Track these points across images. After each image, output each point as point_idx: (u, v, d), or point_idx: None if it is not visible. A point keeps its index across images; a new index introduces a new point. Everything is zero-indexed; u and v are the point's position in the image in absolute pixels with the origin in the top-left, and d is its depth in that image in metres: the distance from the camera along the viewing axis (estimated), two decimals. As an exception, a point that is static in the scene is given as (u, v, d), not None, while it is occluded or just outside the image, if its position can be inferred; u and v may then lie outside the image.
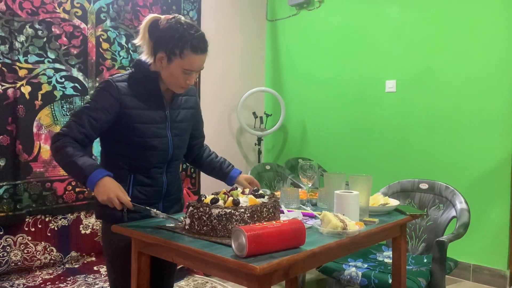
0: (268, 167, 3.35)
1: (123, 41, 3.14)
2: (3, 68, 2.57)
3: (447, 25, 3.16)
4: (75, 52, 2.89)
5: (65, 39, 2.84)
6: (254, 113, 4.01)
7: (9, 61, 2.59)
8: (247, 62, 4.14)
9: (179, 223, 1.46)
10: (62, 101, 2.83)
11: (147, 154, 1.63)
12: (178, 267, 2.82)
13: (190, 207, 1.39)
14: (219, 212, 1.31)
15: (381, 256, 2.28)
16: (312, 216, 1.62)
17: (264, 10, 4.27)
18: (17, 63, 2.63)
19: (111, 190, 1.45)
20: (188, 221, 1.38)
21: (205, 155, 1.95)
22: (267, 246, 1.18)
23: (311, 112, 3.99)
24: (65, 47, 2.84)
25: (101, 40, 3.01)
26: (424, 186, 2.40)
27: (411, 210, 1.81)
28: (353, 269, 2.05)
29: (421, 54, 3.29)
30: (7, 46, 2.59)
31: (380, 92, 3.51)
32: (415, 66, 3.32)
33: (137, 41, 1.63)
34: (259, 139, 4.00)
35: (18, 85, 2.63)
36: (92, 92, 2.89)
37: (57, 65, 2.81)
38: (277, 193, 1.90)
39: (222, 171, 1.92)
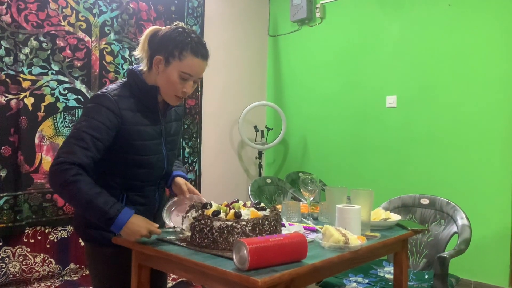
0: (269, 181, 3.35)
1: (126, 54, 3.16)
2: (7, 80, 2.59)
3: (447, 41, 3.19)
4: (78, 64, 2.91)
5: (69, 51, 2.87)
6: (255, 127, 4.02)
7: (13, 73, 2.62)
8: (249, 76, 4.17)
9: (180, 236, 1.46)
10: (65, 113, 2.85)
11: (142, 171, 1.54)
12: (178, 280, 2.80)
13: (193, 220, 1.39)
14: (220, 225, 1.31)
15: (382, 272, 2.26)
16: (314, 230, 1.61)
17: (266, 25, 4.32)
18: (21, 75, 2.65)
19: (141, 228, 1.36)
20: (189, 233, 1.38)
21: None
22: (269, 259, 1.17)
23: (312, 126, 4.00)
24: (69, 59, 2.87)
25: (104, 53, 3.04)
26: (425, 201, 2.40)
27: (413, 225, 1.81)
28: (354, 285, 2.03)
29: (421, 70, 3.32)
30: (12, 57, 2.61)
31: (381, 107, 3.53)
32: (415, 82, 3.35)
33: (136, 52, 1.56)
34: (260, 153, 4.01)
35: (21, 96, 2.65)
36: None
37: (61, 77, 2.83)
38: (278, 207, 1.90)
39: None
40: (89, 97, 2.97)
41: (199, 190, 3.71)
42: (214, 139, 3.82)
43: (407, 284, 1.82)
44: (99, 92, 1.52)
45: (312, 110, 4.00)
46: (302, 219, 1.81)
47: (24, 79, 2.67)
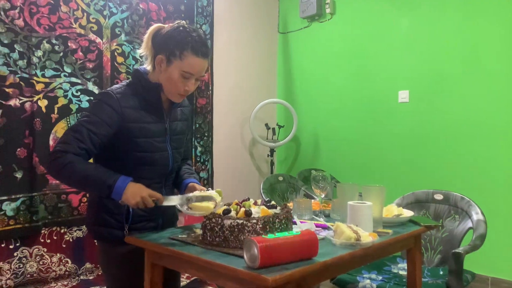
0: (280, 178, 3.35)
1: (137, 55, 3.19)
2: (21, 83, 2.63)
3: (459, 35, 3.14)
4: (90, 66, 2.95)
5: (81, 53, 2.90)
6: (266, 125, 4.02)
7: (26, 76, 2.65)
8: (259, 74, 4.16)
9: (192, 235, 1.46)
10: (78, 114, 2.88)
11: (147, 169, 1.56)
12: (192, 279, 2.82)
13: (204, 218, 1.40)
14: (231, 223, 1.31)
15: (396, 268, 2.24)
16: (325, 227, 1.61)
17: (276, 22, 4.31)
18: (35, 78, 2.69)
19: (141, 190, 1.41)
20: (200, 232, 1.39)
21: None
22: (279, 257, 1.17)
23: (324, 123, 3.99)
24: (81, 61, 2.90)
25: (116, 54, 3.07)
26: (439, 196, 2.37)
27: (426, 221, 1.79)
28: (368, 281, 2.02)
29: (433, 64, 3.28)
30: (25, 61, 2.65)
31: (393, 102, 3.49)
32: (428, 76, 3.31)
33: (141, 50, 1.59)
34: (272, 151, 4.01)
35: (35, 98, 2.69)
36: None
37: (73, 79, 2.87)
38: (290, 204, 1.90)
39: (179, 178, 1.77)
40: (101, 98, 2.99)
41: (212, 189, 3.72)
42: (225, 138, 3.83)
43: (421, 281, 1.80)
44: (103, 90, 1.57)
45: (323, 106, 3.98)
46: (314, 216, 1.81)
47: (38, 82, 2.71)
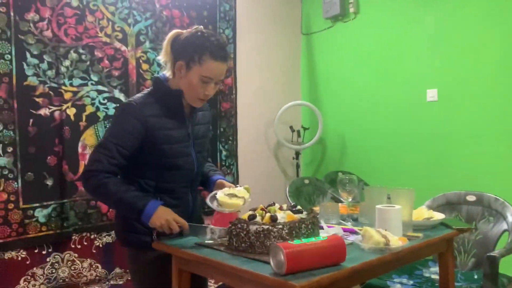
0: (307, 182, 3.31)
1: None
2: (50, 92, 2.70)
3: (487, 32, 3.04)
4: (116, 74, 2.99)
5: (107, 61, 2.95)
6: (291, 127, 3.99)
7: (55, 85, 2.72)
8: (283, 76, 4.14)
9: (218, 241, 1.46)
10: (105, 122, 2.93)
11: (172, 174, 1.59)
12: (218, 284, 2.82)
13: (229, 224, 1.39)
14: (256, 229, 1.30)
15: (428, 272, 2.18)
16: (353, 232, 1.58)
17: (299, 24, 4.28)
18: (63, 87, 2.75)
19: (167, 214, 1.45)
20: (226, 237, 1.39)
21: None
22: (306, 263, 1.15)
23: (350, 124, 3.93)
24: (107, 69, 2.96)
25: (141, 61, 3.11)
26: (471, 198, 2.29)
27: (458, 224, 1.74)
28: (398, 286, 1.97)
29: (461, 61, 3.18)
30: (54, 71, 2.72)
31: (421, 101, 3.41)
32: (456, 74, 3.21)
33: (160, 57, 1.62)
34: (297, 153, 3.97)
35: (64, 107, 2.75)
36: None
37: (100, 87, 2.92)
38: (316, 208, 1.87)
39: (205, 176, 1.79)
40: (128, 105, 3.04)
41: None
42: (250, 141, 3.83)
43: (454, 285, 1.75)
44: (125, 101, 1.62)
45: (349, 107, 3.93)
46: (341, 220, 1.77)
47: (66, 91, 2.77)
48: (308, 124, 4.20)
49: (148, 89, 1.64)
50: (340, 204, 1.87)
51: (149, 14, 3.17)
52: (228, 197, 1.55)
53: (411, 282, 2.02)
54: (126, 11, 3.05)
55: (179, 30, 1.61)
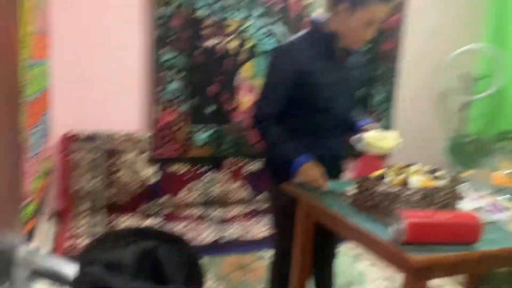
0: (471, 139, 2.96)
1: (324, -4, 3.11)
2: (217, 24, 2.87)
3: None
4: (278, 7, 3.00)
5: (270, -5, 2.98)
6: (463, 75, 3.53)
7: (220, 18, 2.87)
8: (462, 14, 3.61)
9: (347, 193, 1.44)
10: (264, 56, 3.02)
11: (321, 116, 1.63)
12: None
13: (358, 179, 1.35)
14: (383, 191, 1.24)
15: None
16: (502, 209, 1.38)
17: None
18: (228, 20, 2.89)
19: (309, 175, 1.51)
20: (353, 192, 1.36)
21: None
22: (429, 237, 1.07)
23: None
24: (270, 2, 2.98)
25: (306, -9, 3.05)
26: None
27: None
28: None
29: None
30: (221, 3, 2.86)
31: None
32: None
33: None
34: (466, 106, 3.54)
35: (226, 40, 2.91)
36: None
37: (262, 20, 2.99)
38: (466, 174, 1.68)
39: (353, 121, 1.76)
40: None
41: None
42: (411, 87, 3.54)
43: None
44: (278, 46, 1.70)
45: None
46: (495, 192, 1.56)
47: (230, 24, 2.91)
48: (486, 72, 3.66)
49: (304, 31, 1.66)
50: (495, 173, 1.64)
51: None
52: (377, 138, 1.52)
53: None
54: None
55: None
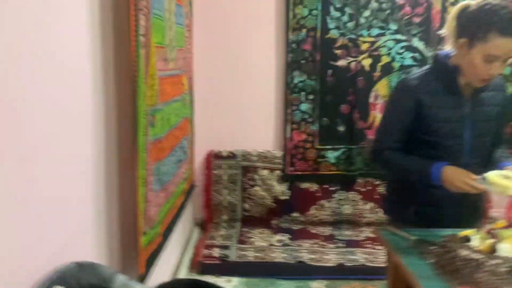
0: None
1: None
2: (349, 43, 2.84)
3: None
4: (417, 20, 2.82)
5: (408, 8, 2.81)
6: None
7: (354, 36, 2.84)
8: None
9: (435, 248, 1.31)
10: (400, 72, 2.87)
11: (440, 154, 1.54)
12: None
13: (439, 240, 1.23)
14: (466, 256, 1.11)
15: None
16: None
17: None
18: (361, 38, 2.84)
19: (454, 179, 1.43)
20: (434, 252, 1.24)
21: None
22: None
23: None
24: (407, 16, 2.81)
25: (447, 4, 2.79)
26: None
27: None
28: None
29: None
30: (354, 22, 2.82)
31: None
32: None
33: (443, 30, 1.56)
34: None
35: (360, 58, 2.86)
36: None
37: (398, 36, 2.84)
38: None
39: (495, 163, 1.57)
40: (426, 54, 2.85)
41: None
42: None
43: None
44: (401, 79, 1.75)
45: None
46: None
47: (363, 42, 2.85)
48: None
49: (427, 66, 1.64)
50: None
51: None
52: (502, 177, 1.37)
53: None
54: None
55: (467, 2, 1.47)
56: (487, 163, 1.63)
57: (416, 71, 1.64)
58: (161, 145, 1.45)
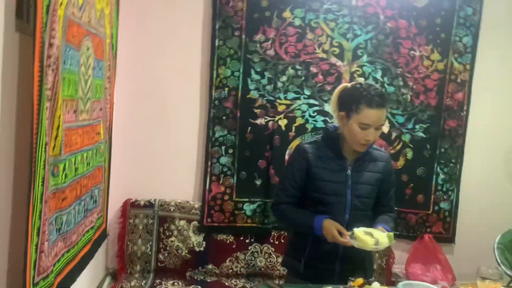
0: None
1: (378, 75, 3.13)
2: (267, 104, 3.06)
3: None
4: (328, 88, 3.10)
5: (321, 76, 3.10)
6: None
7: (272, 99, 3.07)
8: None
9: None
10: (313, 133, 3.10)
11: (326, 209, 1.78)
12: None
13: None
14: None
15: None
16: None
17: None
18: (278, 100, 3.07)
19: (328, 232, 1.69)
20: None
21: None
22: None
23: None
24: (320, 84, 3.10)
25: (355, 75, 3.12)
26: None
27: None
28: None
29: None
30: (272, 86, 3.06)
31: None
32: None
33: (329, 108, 2.04)
34: (547, 190, 3.17)
35: (276, 118, 3.08)
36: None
37: (311, 101, 3.11)
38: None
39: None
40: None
41: (455, 223, 3.30)
42: (479, 166, 3.29)
43: None
44: (299, 143, 2.04)
45: None
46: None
47: (280, 104, 3.08)
48: None
49: (320, 134, 1.97)
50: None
51: (370, 27, 3.11)
52: (365, 233, 1.63)
53: None
54: (346, 26, 3.09)
55: (346, 84, 1.86)
56: (369, 220, 1.85)
57: (310, 138, 1.98)
58: (63, 195, 1.48)
